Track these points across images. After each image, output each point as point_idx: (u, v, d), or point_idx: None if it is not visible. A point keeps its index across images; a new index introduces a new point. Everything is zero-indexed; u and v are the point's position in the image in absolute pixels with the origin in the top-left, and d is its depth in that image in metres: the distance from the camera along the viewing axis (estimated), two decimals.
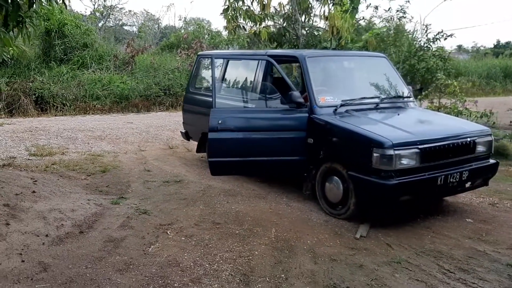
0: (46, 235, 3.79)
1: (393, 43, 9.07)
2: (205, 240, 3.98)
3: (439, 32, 8.94)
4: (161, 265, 3.46)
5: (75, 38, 15.19)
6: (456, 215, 4.78)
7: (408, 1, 9.40)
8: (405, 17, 9.29)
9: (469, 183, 4.58)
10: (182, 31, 24.94)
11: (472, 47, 44.45)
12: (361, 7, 12.60)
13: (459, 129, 4.64)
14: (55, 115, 11.76)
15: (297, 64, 6.24)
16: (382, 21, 11.74)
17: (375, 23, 13.96)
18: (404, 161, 4.10)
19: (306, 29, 9.79)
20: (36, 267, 3.32)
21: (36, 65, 14.14)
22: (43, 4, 4.12)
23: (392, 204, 4.27)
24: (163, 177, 6.10)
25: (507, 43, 42.74)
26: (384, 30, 10.51)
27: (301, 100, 4.78)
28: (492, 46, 41.47)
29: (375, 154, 4.08)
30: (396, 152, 4.04)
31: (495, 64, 24.11)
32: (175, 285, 3.17)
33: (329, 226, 4.42)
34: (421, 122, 4.96)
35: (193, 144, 7.11)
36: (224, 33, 18.36)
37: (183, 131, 7.17)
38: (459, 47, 49.60)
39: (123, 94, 13.50)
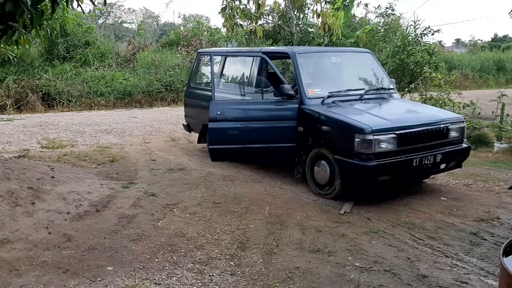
0: (67, 213, 4.33)
1: (383, 38, 9.57)
2: (207, 216, 4.51)
3: (426, 28, 9.44)
4: (169, 236, 3.99)
5: (77, 36, 15.68)
6: (432, 194, 5.31)
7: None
8: (393, 14, 9.77)
9: (444, 164, 5.11)
10: (182, 28, 25.39)
11: (469, 40, 44.88)
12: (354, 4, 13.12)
13: (434, 117, 5.16)
14: (62, 111, 12.28)
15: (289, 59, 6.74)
16: (377, 17, 12.27)
17: (370, 19, 14.49)
18: (383, 145, 4.63)
19: (300, 26, 10.28)
20: (62, 238, 3.86)
21: (39, 63, 14.63)
22: (62, 10, 4.62)
23: (372, 184, 4.80)
24: (167, 165, 6.62)
25: (505, 36, 43.18)
26: (377, 26, 11.02)
27: (292, 92, 5.31)
28: (490, 39, 41.92)
29: (356, 139, 4.61)
30: (375, 137, 4.56)
31: (488, 58, 24.61)
32: (182, 251, 3.70)
33: (317, 204, 4.95)
34: (400, 111, 5.48)
35: (194, 135, 7.62)
36: (223, 30, 18.83)
37: (185, 123, 7.69)
38: (457, 40, 50.00)
39: (126, 90, 14.01)
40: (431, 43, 10.31)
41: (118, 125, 10.05)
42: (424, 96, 9.20)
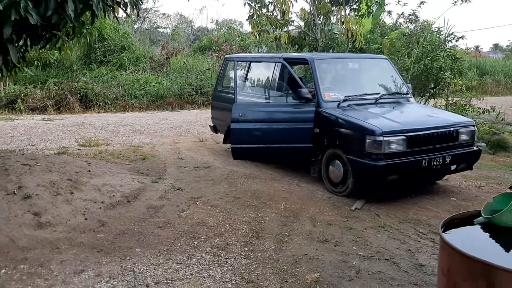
0: (102, 202, 4.81)
1: (406, 45, 9.77)
2: (227, 209, 4.91)
3: (449, 34, 9.58)
4: (191, 224, 4.41)
5: (113, 41, 16.49)
6: (443, 194, 5.54)
7: (420, 6, 10.07)
8: (417, 21, 9.95)
9: (454, 166, 5.34)
10: (215, 33, 26.00)
11: (506, 46, 43.78)
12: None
13: (445, 121, 5.40)
14: (98, 112, 12.99)
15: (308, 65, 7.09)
16: (406, 22, 12.43)
17: (401, 24, 14.63)
18: (392, 146, 4.91)
19: (326, 32, 10.60)
20: (96, 223, 4.33)
21: (78, 66, 15.47)
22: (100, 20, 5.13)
23: (382, 182, 5.09)
24: (193, 163, 7.07)
25: None
26: (403, 32, 11.20)
27: (309, 96, 5.66)
28: None
29: (367, 140, 4.92)
30: (385, 138, 4.86)
31: None
32: (202, 237, 4.11)
33: (331, 201, 5.28)
34: (412, 115, 5.74)
35: (221, 136, 8.05)
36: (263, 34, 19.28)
37: (212, 125, 8.14)
38: (495, 45, 48.78)
39: (159, 93, 14.64)
40: (456, 48, 10.41)
41: (150, 126, 10.61)
42: (448, 102, 9.35)
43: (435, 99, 10.15)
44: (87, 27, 5.05)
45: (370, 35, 11.49)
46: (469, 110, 8.29)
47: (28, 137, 8.86)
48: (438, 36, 9.97)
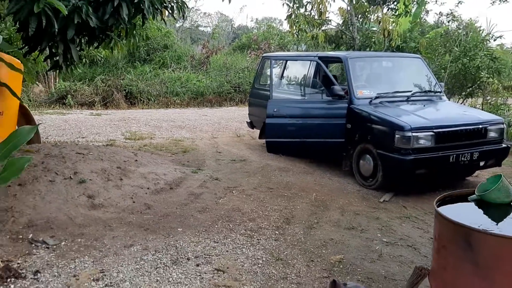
0: (148, 188, 5.27)
1: (444, 44, 9.81)
2: (260, 198, 5.26)
3: (487, 34, 9.56)
4: (227, 210, 4.79)
5: (156, 40, 17.16)
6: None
7: (457, 5, 10.08)
8: (456, 20, 9.97)
9: (482, 162, 5.48)
10: (255, 31, 26.40)
11: None
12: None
13: (473, 118, 5.55)
14: (142, 108, 13.66)
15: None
16: (449, 21, 12.39)
17: (443, 23, 14.55)
18: (421, 142, 5.13)
19: (363, 30, 10.77)
20: (143, 206, 4.78)
21: (123, 64, 16.23)
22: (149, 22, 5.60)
23: (410, 176, 5.30)
24: (231, 157, 7.46)
25: None
26: (442, 31, 11.20)
27: (342, 93, 5.93)
28: None
29: (397, 136, 5.15)
30: (414, 134, 5.08)
31: None
32: (237, 221, 4.48)
33: (360, 193, 5.54)
34: (442, 112, 5.91)
35: (257, 132, 8.41)
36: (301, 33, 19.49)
37: (249, 121, 8.52)
38: None
39: (199, 91, 15.18)
40: (495, 48, 10.36)
41: (190, 122, 11.12)
42: (484, 101, 9.35)
43: (472, 98, 10.14)
44: (137, 28, 5.52)
45: (409, 34, 11.56)
46: (504, 110, 8.29)
47: (78, 130, 9.54)
48: (477, 35, 9.94)
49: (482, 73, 8.76)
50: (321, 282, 3.27)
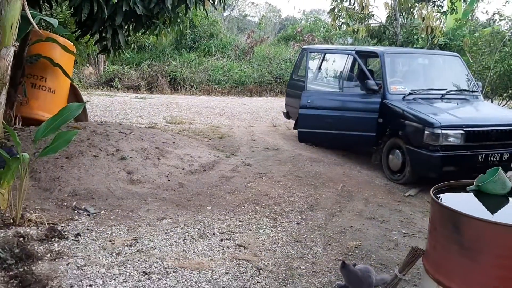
0: (183, 168, 5.60)
1: (488, 43, 9.60)
2: (288, 185, 5.47)
3: None
4: (255, 193, 5.04)
5: (203, 28, 17.56)
6: None
7: (505, 4, 9.81)
8: (502, 19, 9.72)
9: None
10: (303, 22, 26.35)
11: None
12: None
13: (505, 119, 5.52)
14: (185, 94, 14.12)
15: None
16: (502, 20, 12.06)
17: (496, 21, 14.15)
18: (450, 139, 5.17)
19: (407, 26, 10.68)
20: (177, 184, 5.11)
21: (169, 51, 16.74)
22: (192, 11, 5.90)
23: (438, 173, 5.35)
24: (264, 145, 7.70)
25: None
26: (496, 29, 10.94)
27: (375, 87, 6.02)
28: None
29: (426, 132, 5.22)
30: (443, 131, 5.13)
31: None
32: (263, 204, 4.73)
33: (387, 187, 5.65)
34: (474, 111, 5.89)
35: (292, 122, 8.60)
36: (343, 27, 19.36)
37: (285, 111, 8.71)
38: None
39: (240, 80, 15.49)
40: None
41: (229, 110, 11.43)
42: None
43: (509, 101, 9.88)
44: (181, 17, 5.82)
45: (457, 32, 11.35)
46: None
47: (124, 112, 10.04)
48: None
49: None
50: (335, 264, 3.45)
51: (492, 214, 2.33)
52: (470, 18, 13.35)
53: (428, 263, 2.20)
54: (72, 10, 4.86)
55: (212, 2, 5.35)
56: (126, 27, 5.28)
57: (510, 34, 9.64)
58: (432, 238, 2.19)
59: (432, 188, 2.39)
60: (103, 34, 5.14)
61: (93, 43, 7.22)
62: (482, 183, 2.42)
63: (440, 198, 2.26)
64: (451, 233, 1.99)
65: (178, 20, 6.08)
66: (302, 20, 28.19)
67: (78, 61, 6.61)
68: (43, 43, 5.55)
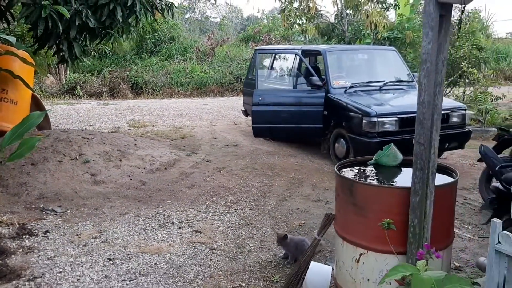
0: (144, 168, 5.97)
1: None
2: (244, 176, 5.93)
3: (483, 24, 10.03)
4: (213, 186, 5.47)
5: (163, 32, 17.80)
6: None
7: None
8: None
9: (446, 144, 6.07)
10: (265, 21, 26.76)
11: None
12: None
13: None
14: (147, 98, 14.38)
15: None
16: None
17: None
18: (386, 126, 5.74)
19: (354, 24, 11.31)
20: (139, 183, 5.49)
21: (131, 56, 16.92)
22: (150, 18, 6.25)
23: None
24: (225, 142, 8.14)
25: None
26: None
27: (319, 83, 6.55)
28: None
29: (364, 121, 5.77)
30: (379, 119, 5.69)
31: None
32: (220, 195, 5.16)
33: (334, 173, 6.16)
34: (408, 100, 6.47)
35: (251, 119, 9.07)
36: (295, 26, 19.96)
37: (243, 109, 9.17)
38: None
39: (202, 81, 15.84)
40: (481, 38, 10.83)
41: (192, 111, 11.81)
42: (465, 90, 9.86)
43: (453, 88, 10.61)
44: (132, 27, 6.19)
45: (408, 25, 12.01)
46: (481, 98, 8.81)
47: (86, 119, 10.28)
48: (465, 26, 10.40)
49: (462, 63, 9.26)
50: None
51: (383, 181, 2.86)
52: (418, 12, 14.13)
53: (336, 224, 2.71)
54: (30, 25, 5.16)
55: (161, 12, 5.75)
56: (81, 38, 5.61)
57: (457, 24, 10.31)
58: (337, 203, 2.69)
59: (337, 164, 2.89)
60: (60, 46, 5.46)
61: (52, 54, 7.49)
62: (378, 157, 2.94)
63: (342, 171, 2.77)
64: (348, 197, 2.49)
65: (132, 28, 6.43)
66: (264, 19, 28.66)
67: (39, 71, 6.86)
68: (2, 56, 5.81)
